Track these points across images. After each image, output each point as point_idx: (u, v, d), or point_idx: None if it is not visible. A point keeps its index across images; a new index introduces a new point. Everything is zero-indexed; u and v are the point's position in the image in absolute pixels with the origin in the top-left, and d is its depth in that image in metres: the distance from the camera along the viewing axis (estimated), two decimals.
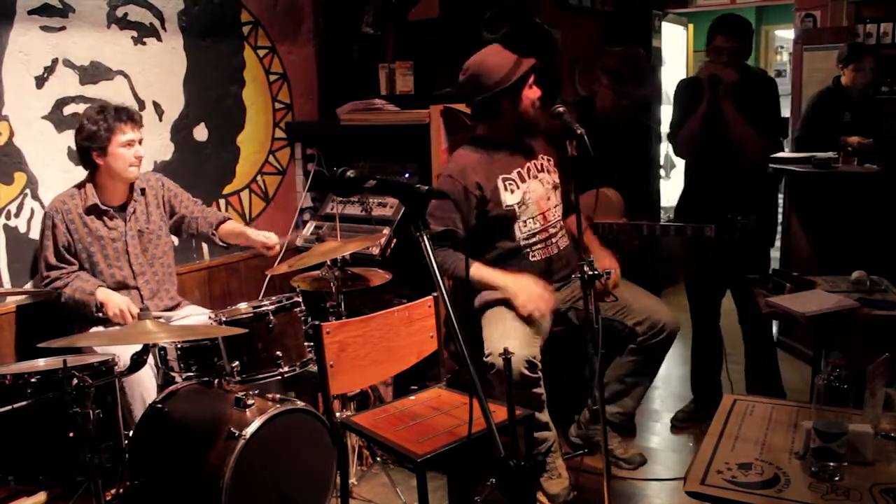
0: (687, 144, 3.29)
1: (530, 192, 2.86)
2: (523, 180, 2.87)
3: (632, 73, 3.34)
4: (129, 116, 2.79)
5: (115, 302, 2.72)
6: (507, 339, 2.57)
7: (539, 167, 2.92)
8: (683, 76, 6.42)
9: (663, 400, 3.74)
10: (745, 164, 3.17)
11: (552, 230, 2.89)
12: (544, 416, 2.72)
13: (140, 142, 2.84)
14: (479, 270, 2.75)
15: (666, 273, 5.98)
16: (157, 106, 3.35)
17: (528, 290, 2.67)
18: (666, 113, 5.95)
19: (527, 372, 2.53)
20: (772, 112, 3.23)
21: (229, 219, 3.13)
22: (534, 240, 2.85)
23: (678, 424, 3.50)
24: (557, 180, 2.94)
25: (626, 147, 3.43)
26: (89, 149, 2.76)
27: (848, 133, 4.30)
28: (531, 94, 2.83)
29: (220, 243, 3.10)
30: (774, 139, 3.35)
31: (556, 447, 2.79)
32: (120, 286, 2.85)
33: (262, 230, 3.08)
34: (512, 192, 2.83)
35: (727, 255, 3.16)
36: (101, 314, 2.72)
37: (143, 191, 2.95)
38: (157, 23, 3.31)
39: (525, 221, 2.84)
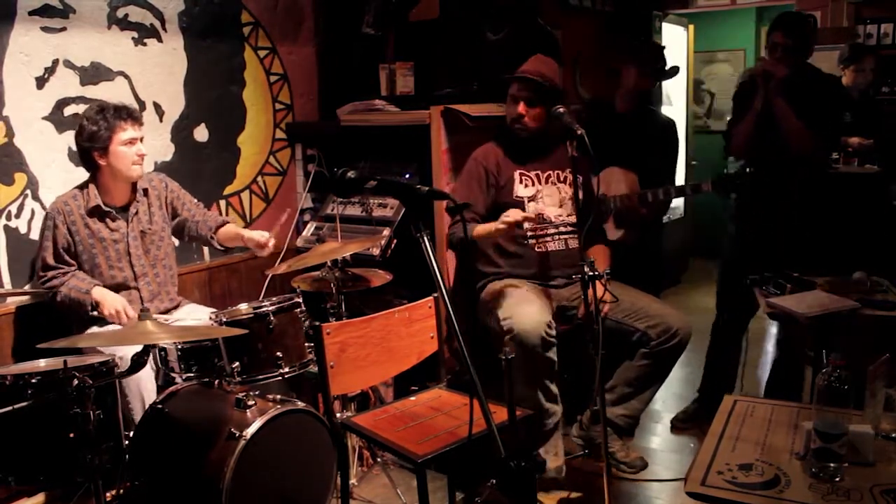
0: (739, 142, 3.24)
1: (543, 195, 2.96)
2: (540, 182, 2.98)
3: (656, 55, 3.38)
4: (129, 114, 2.79)
5: (111, 301, 2.71)
6: (523, 304, 2.66)
7: (561, 178, 3.01)
8: (684, 77, 6.43)
9: (664, 400, 3.74)
10: (799, 161, 3.11)
11: (562, 228, 2.96)
12: (554, 388, 2.75)
13: (141, 140, 2.83)
14: (479, 227, 2.84)
15: (667, 273, 5.99)
16: (157, 106, 3.35)
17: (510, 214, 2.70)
18: (666, 113, 5.96)
19: (546, 336, 2.60)
20: (827, 112, 3.15)
21: (228, 222, 3.13)
22: (537, 233, 2.93)
23: (678, 425, 3.50)
24: (580, 195, 2.97)
25: (653, 143, 3.44)
26: (91, 149, 2.75)
27: (849, 133, 4.30)
28: (511, 109, 2.94)
29: (219, 247, 3.09)
30: (829, 138, 3.29)
31: (559, 425, 2.82)
32: (120, 287, 2.85)
33: (261, 230, 3.08)
34: (526, 186, 2.96)
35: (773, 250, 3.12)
36: (96, 313, 2.71)
37: (145, 191, 2.94)
38: (157, 23, 3.31)
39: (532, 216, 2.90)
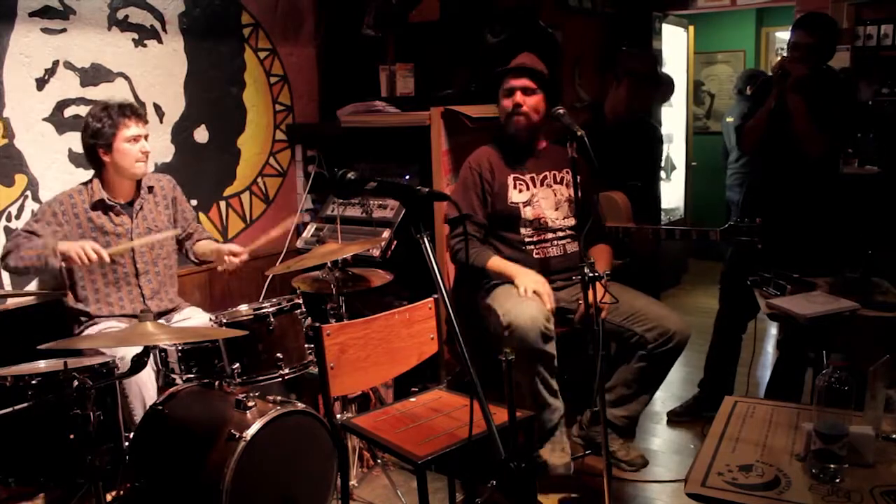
0: (749, 137, 3.26)
1: (538, 198, 2.94)
2: (535, 185, 2.96)
3: (652, 76, 3.36)
4: (132, 112, 2.80)
5: (77, 246, 2.59)
6: (524, 302, 2.65)
7: (557, 179, 3.00)
8: (684, 78, 6.43)
9: (664, 401, 3.74)
10: (809, 161, 3.10)
11: (561, 233, 2.95)
12: (555, 383, 2.76)
13: (146, 137, 2.84)
14: (496, 262, 2.86)
15: (666, 275, 5.99)
16: (157, 108, 3.35)
17: (530, 277, 2.77)
18: (666, 115, 5.97)
19: (545, 329, 2.60)
20: (839, 113, 3.14)
21: (208, 238, 3.14)
22: (536, 238, 2.93)
23: (674, 419, 3.52)
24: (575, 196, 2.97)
25: (636, 150, 3.43)
26: (95, 146, 2.76)
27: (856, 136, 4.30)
28: (507, 102, 2.90)
29: (193, 259, 3.11)
30: (840, 140, 3.26)
31: (562, 421, 2.83)
32: (121, 283, 2.85)
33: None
34: (520, 191, 2.94)
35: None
36: (63, 264, 2.62)
37: (150, 189, 2.95)
38: (157, 25, 3.31)
39: (530, 220, 2.92)
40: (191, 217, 3.12)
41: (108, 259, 2.65)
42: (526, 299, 2.68)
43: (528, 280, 2.75)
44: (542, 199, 2.95)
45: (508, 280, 2.82)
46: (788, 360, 3.34)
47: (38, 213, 2.78)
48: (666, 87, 3.68)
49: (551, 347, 2.67)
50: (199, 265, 3.19)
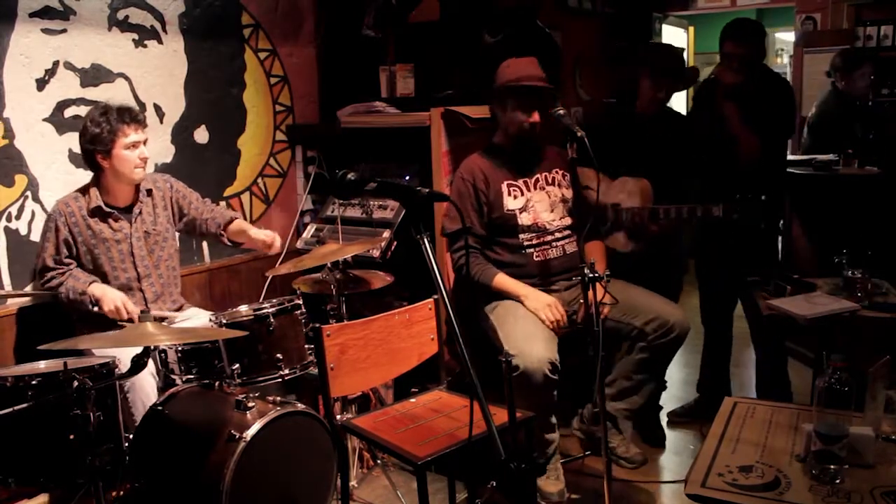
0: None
1: (533, 202, 2.94)
2: (529, 189, 2.95)
3: (672, 66, 3.35)
4: (132, 118, 2.77)
5: (111, 297, 2.68)
6: (530, 339, 2.63)
7: (549, 180, 2.99)
8: None
9: (664, 402, 3.73)
10: (749, 164, 3.16)
11: (558, 234, 2.95)
12: (553, 419, 2.78)
13: (145, 143, 2.82)
14: (501, 280, 2.86)
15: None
16: (157, 108, 3.35)
17: (541, 300, 2.77)
18: None
19: (549, 374, 2.57)
20: (780, 115, 3.19)
21: (236, 217, 3.13)
22: (535, 242, 2.92)
23: (675, 419, 3.53)
24: (569, 195, 2.98)
25: (663, 145, 3.42)
26: (93, 151, 2.74)
27: (854, 138, 4.30)
28: (515, 116, 2.87)
29: (228, 243, 3.10)
30: (781, 141, 3.32)
31: (557, 451, 2.85)
32: (124, 288, 2.84)
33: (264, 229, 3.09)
34: (515, 197, 2.93)
35: (735, 245, 3.19)
36: (96, 309, 2.68)
37: (149, 192, 2.94)
38: (157, 25, 3.31)
39: (527, 225, 2.91)
40: (197, 201, 3.09)
41: (136, 320, 2.61)
42: (534, 333, 2.67)
43: (541, 305, 2.75)
44: (537, 203, 2.94)
45: (515, 297, 2.82)
46: (766, 358, 3.37)
47: (48, 234, 2.77)
48: (688, 77, 3.65)
49: (554, 391, 2.66)
50: (235, 246, 3.16)
